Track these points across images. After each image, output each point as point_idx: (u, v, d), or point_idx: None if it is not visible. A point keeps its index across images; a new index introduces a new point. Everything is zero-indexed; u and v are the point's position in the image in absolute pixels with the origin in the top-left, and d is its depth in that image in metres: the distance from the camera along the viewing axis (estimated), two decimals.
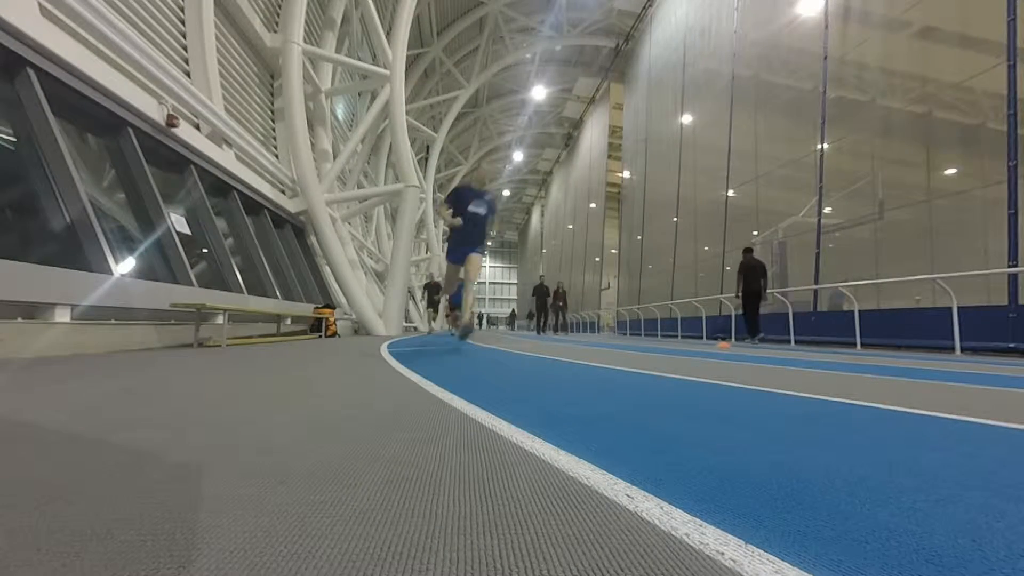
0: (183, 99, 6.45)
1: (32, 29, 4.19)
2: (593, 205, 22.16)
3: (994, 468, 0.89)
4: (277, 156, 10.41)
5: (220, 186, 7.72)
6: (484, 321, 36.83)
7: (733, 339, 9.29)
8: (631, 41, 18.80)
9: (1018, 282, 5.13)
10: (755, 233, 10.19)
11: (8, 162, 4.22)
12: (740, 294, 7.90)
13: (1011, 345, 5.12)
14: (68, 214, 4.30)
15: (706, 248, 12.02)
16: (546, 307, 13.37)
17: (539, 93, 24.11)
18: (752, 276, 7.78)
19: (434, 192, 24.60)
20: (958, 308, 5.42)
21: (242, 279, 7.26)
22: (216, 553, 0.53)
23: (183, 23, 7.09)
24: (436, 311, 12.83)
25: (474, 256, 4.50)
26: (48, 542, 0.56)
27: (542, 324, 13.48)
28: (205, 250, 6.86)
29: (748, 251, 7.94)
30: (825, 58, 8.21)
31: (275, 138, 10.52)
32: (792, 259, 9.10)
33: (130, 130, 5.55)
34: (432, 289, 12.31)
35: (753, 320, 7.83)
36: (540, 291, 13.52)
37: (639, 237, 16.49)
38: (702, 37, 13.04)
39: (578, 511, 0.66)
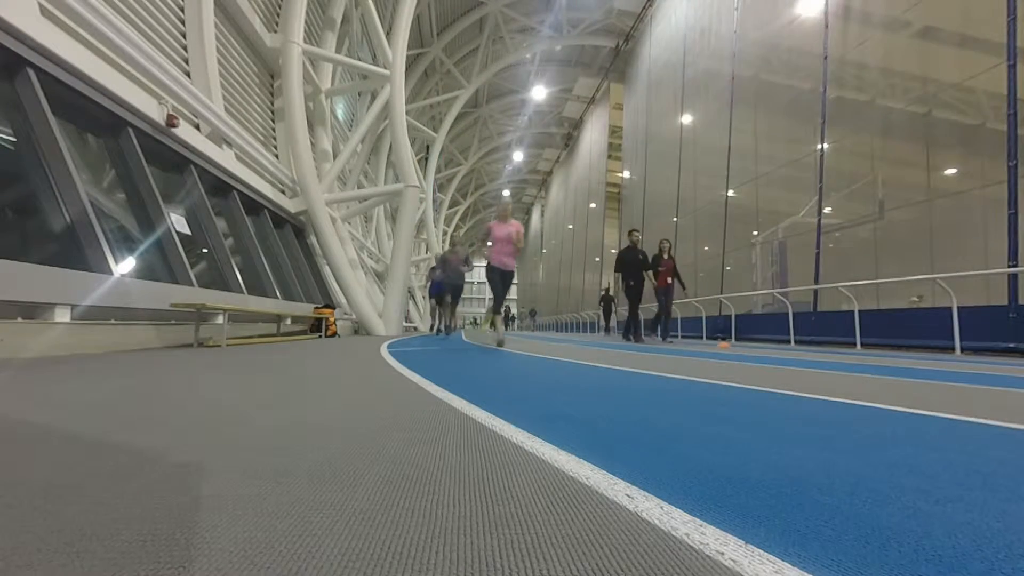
0: (183, 99, 6.45)
1: (32, 29, 4.19)
2: (593, 205, 22.16)
3: (994, 468, 0.89)
4: (277, 156, 10.41)
5: (220, 186, 7.72)
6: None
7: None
8: (631, 41, 18.80)
9: (1018, 282, 5.13)
10: (755, 233, 10.19)
11: (8, 162, 4.22)
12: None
13: (1011, 345, 5.12)
14: (68, 214, 4.30)
15: (706, 248, 12.02)
16: (640, 290, 7.57)
17: (539, 93, 24.11)
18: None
19: (434, 192, 24.63)
20: (958, 308, 5.43)
21: (242, 279, 7.25)
22: (216, 553, 0.53)
23: (183, 23, 7.09)
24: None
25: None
26: (48, 542, 0.56)
27: (634, 324, 7.65)
28: (205, 250, 6.86)
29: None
30: (825, 58, 8.21)
31: (275, 138, 10.52)
32: (792, 259, 9.10)
33: (130, 130, 5.55)
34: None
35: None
36: (629, 262, 7.53)
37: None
38: (702, 37, 13.04)
39: (578, 511, 0.66)
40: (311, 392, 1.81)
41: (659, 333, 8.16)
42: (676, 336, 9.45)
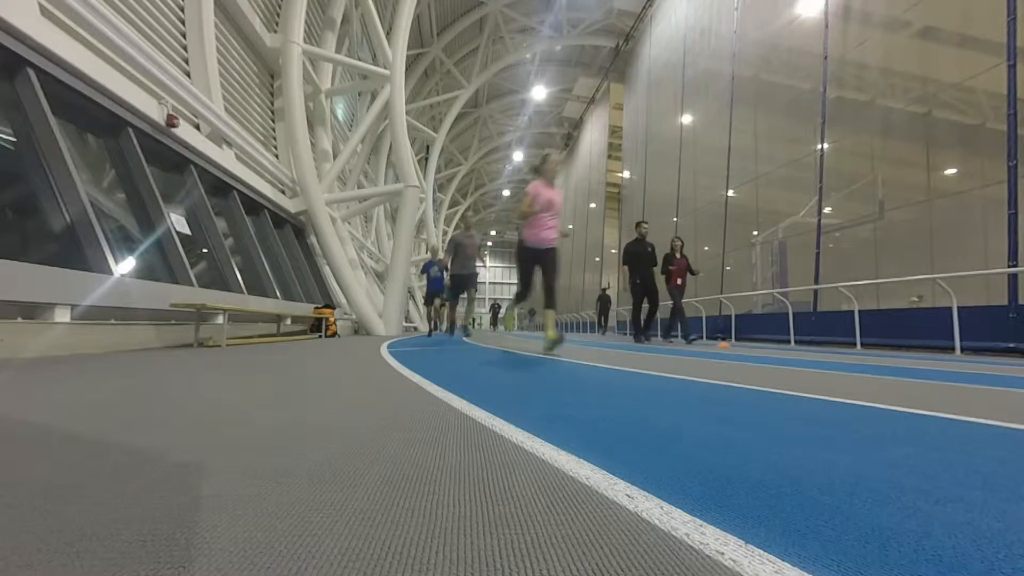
0: (183, 99, 6.45)
1: (32, 29, 4.19)
2: (593, 205, 22.19)
3: (994, 468, 0.89)
4: (277, 156, 10.41)
5: (220, 186, 7.72)
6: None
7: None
8: (631, 41, 18.79)
9: (1018, 282, 5.13)
10: (755, 233, 10.19)
11: (8, 162, 4.22)
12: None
13: (1011, 345, 5.12)
14: (68, 214, 4.30)
15: (706, 248, 12.01)
16: (650, 288, 7.24)
17: (539, 93, 24.12)
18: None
19: (434, 192, 24.62)
20: (958, 308, 5.42)
21: (242, 279, 7.25)
22: (216, 553, 0.53)
23: (183, 23, 7.09)
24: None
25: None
26: (48, 542, 0.56)
27: (642, 321, 7.38)
28: (205, 250, 6.86)
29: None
30: (825, 58, 8.21)
31: (275, 138, 10.52)
32: (792, 259, 9.10)
33: (130, 130, 5.55)
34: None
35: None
36: (639, 256, 7.24)
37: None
38: (702, 37, 13.03)
39: (578, 511, 0.66)
40: (311, 392, 1.81)
41: (665, 332, 8.03)
42: (676, 336, 9.49)
